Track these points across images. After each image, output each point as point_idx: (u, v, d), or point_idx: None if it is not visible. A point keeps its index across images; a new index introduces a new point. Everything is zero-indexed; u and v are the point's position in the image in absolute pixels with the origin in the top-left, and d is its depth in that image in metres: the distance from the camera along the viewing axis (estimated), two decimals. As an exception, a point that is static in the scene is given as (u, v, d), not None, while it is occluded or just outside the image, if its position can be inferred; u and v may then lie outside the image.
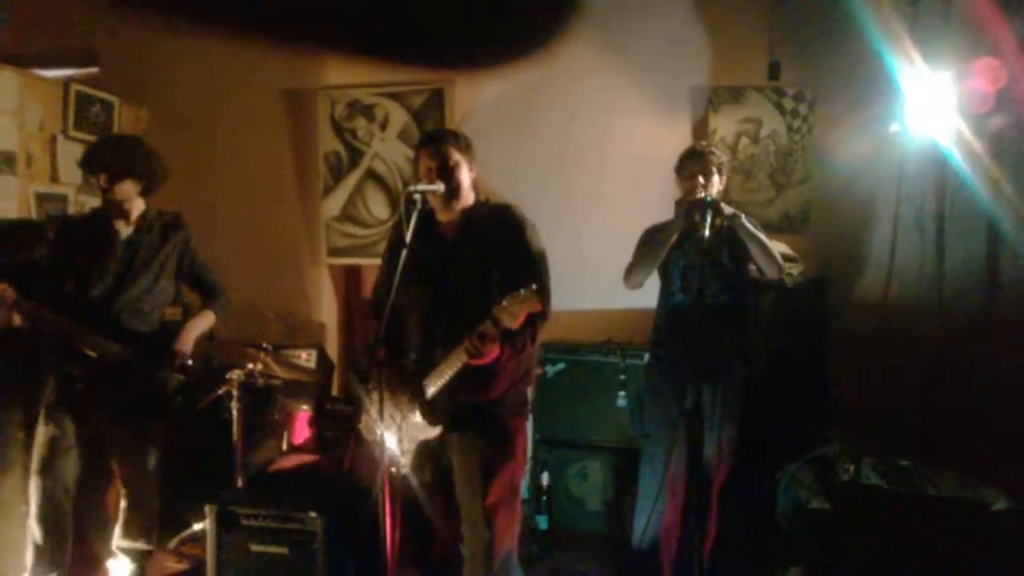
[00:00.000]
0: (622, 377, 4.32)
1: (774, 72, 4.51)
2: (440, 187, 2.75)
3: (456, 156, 2.81)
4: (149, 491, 3.43)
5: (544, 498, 4.39)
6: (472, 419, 2.81)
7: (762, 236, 3.36)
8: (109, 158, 3.34)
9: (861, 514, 2.97)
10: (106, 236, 3.36)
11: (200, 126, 5.28)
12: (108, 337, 3.24)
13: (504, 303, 2.51)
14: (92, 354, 3.22)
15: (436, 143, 2.83)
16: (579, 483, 4.40)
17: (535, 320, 2.71)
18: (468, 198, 2.87)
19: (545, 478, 4.39)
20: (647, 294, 3.62)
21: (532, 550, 4.11)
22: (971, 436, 3.34)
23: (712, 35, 4.69)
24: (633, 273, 3.47)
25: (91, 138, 4.76)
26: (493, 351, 2.63)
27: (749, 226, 3.34)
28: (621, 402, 4.31)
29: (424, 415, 2.79)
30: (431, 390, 2.76)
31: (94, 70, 5.44)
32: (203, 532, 3.39)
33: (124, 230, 3.40)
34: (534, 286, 2.50)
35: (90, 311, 3.25)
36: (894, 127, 3.94)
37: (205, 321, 3.55)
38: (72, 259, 3.33)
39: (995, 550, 2.77)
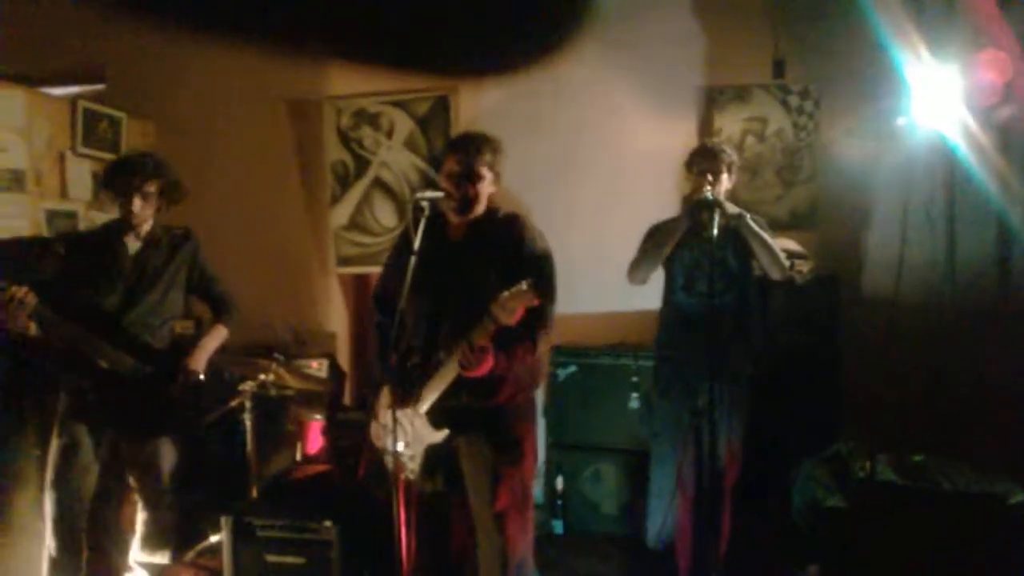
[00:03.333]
0: (634, 379, 4.30)
1: (779, 70, 4.50)
2: (442, 194, 2.76)
3: (482, 169, 2.80)
4: (165, 504, 3.44)
5: (559, 502, 4.38)
6: (479, 425, 2.81)
7: (767, 237, 3.36)
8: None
9: (877, 511, 2.96)
10: (115, 251, 3.37)
11: (206, 138, 5.31)
12: (120, 351, 3.26)
13: (501, 298, 2.50)
14: (105, 365, 3.23)
15: (466, 150, 2.81)
16: (593, 486, 4.39)
17: (534, 328, 2.71)
18: (481, 205, 2.87)
19: (559, 482, 4.38)
20: (659, 295, 3.62)
21: (548, 555, 4.10)
22: (985, 429, 3.32)
23: (716, 35, 4.69)
24: (637, 268, 3.47)
25: (100, 154, 4.80)
26: (486, 364, 2.63)
27: (754, 226, 3.34)
28: (634, 404, 4.29)
29: (429, 420, 2.80)
30: (429, 398, 2.78)
31: (100, 86, 5.47)
32: (219, 544, 3.40)
33: (133, 245, 3.40)
34: (530, 280, 2.49)
35: (100, 326, 3.25)
36: (901, 121, 3.93)
37: (218, 337, 3.55)
38: (82, 274, 3.33)
39: (1013, 544, 2.75)
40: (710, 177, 3.35)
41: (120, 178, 3.33)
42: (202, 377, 3.43)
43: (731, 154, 3.47)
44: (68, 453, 3.26)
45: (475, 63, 4.97)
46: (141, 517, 3.43)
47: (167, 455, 3.39)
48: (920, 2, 3.89)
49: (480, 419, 2.82)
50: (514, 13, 4.78)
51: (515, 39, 4.91)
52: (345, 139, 5.20)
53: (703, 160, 3.43)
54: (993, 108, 3.35)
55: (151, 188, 3.33)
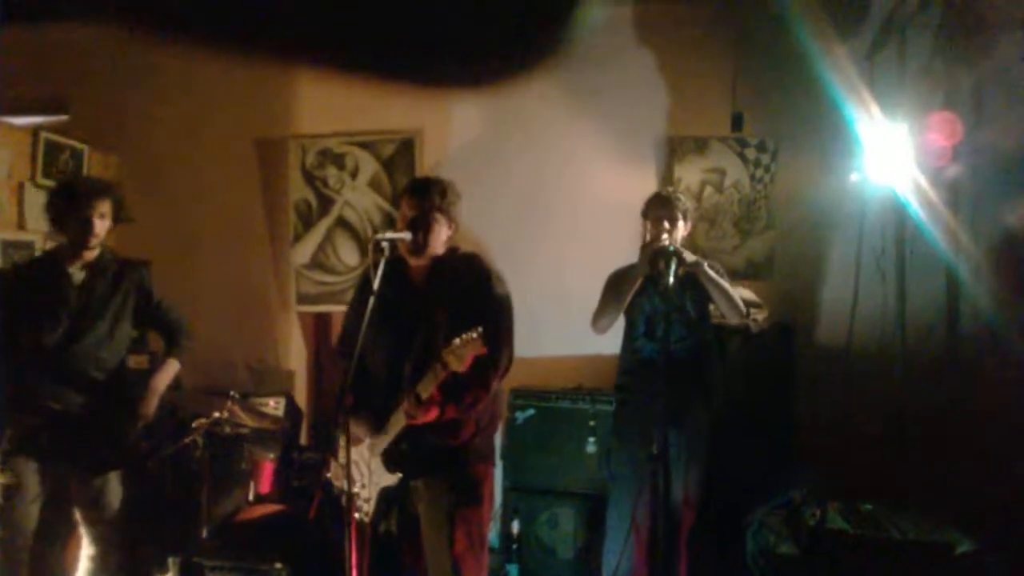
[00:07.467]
0: (592, 423, 4.31)
1: (737, 123, 4.61)
2: (407, 236, 2.77)
3: (435, 212, 2.82)
4: (112, 542, 3.35)
5: (515, 546, 4.35)
6: (438, 466, 2.81)
7: (724, 283, 3.42)
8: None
9: (828, 559, 2.99)
10: (58, 281, 3.26)
11: (171, 173, 5.28)
12: (65, 386, 3.19)
13: (453, 345, 2.53)
14: (55, 406, 3.16)
15: (419, 194, 2.85)
16: (550, 531, 4.37)
17: (486, 375, 2.73)
18: (437, 248, 2.89)
19: (516, 526, 4.36)
20: (617, 340, 3.66)
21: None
22: (934, 478, 3.38)
23: (676, 87, 4.80)
24: (600, 318, 3.51)
25: (59, 186, 4.75)
26: (431, 412, 2.67)
27: (711, 272, 3.40)
28: (591, 448, 4.30)
29: (383, 461, 2.79)
30: (383, 441, 2.78)
31: (63, 117, 5.44)
32: (166, 584, 3.33)
33: (77, 274, 3.29)
34: (480, 329, 2.51)
35: (45, 360, 3.16)
36: (854, 176, 4.04)
37: (169, 373, 3.46)
38: (24, 305, 3.21)
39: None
40: (666, 224, 3.41)
41: (72, 202, 3.23)
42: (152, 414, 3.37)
43: (685, 201, 3.54)
44: (11, 490, 3.16)
45: (442, 105, 5.04)
46: (86, 554, 3.34)
47: (115, 491, 3.31)
48: (872, 63, 4.03)
49: (440, 460, 2.82)
50: (481, 59, 4.86)
51: (481, 84, 4.99)
52: (309, 178, 5.21)
53: (659, 208, 3.49)
54: (942, 167, 3.47)
55: (105, 208, 3.26)
